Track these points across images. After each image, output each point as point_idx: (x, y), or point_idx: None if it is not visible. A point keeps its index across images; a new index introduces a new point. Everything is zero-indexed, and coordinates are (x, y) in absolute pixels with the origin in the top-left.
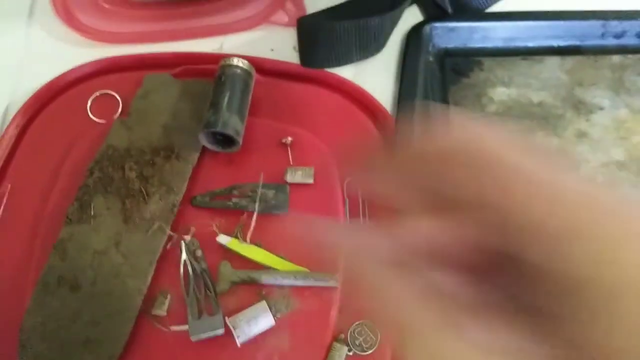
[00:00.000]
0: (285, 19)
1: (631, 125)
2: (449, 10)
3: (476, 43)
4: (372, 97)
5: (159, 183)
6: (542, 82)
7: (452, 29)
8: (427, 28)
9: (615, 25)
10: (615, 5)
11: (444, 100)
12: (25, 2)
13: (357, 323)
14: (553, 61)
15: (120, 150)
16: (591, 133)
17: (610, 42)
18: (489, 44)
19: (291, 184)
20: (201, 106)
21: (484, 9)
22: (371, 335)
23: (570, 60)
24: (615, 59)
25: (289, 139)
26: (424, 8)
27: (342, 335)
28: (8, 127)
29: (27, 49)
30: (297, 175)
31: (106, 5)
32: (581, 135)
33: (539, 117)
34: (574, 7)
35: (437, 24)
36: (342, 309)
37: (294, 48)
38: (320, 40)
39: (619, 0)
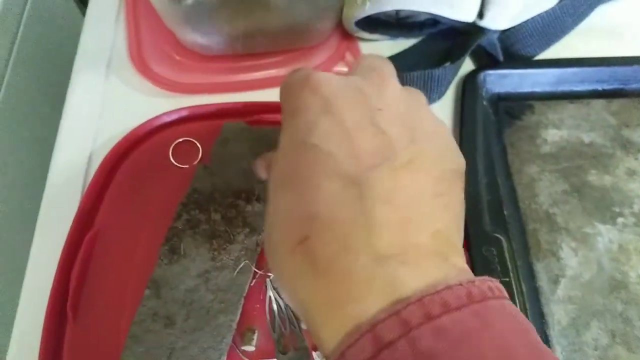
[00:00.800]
0: (346, 69)
1: None
2: (501, 58)
3: (527, 88)
4: None
5: (243, 224)
6: (590, 124)
7: (504, 76)
8: (481, 75)
9: None
10: None
11: (500, 141)
12: (103, 55)
13: None
14: (599, 103)
15: (204, 193)
16: None
17: None
18: (538, 89)
19: None
20: (274, 151)
21: (533, 57)
22: None
23: (615, 103)
24: None
25: None
26: (476, 57)
27: None
28: (96, 173)
29: (105, 100)
30: None
31: (178, 58)
32: (632, 173)
33: (590, 156)
34: (617, 54)
35: (490, 72)
36: None
37: None
38: None
39: None
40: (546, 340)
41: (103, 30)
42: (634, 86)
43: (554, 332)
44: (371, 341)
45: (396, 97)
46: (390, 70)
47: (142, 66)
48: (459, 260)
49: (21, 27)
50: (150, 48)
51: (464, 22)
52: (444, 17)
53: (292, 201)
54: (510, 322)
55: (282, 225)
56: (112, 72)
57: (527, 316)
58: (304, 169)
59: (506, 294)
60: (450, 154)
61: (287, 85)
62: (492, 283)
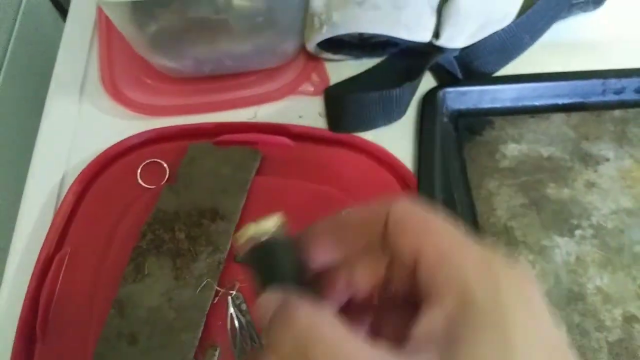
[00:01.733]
0: (311, 89)
1: (636, 175)
2: (459, 76)
3: (486, 104)
4: (394, 157)
5: (206, 242)
6: (550, 138)
7: (463, 93)
8: (440, 93)
9: (614, 83)
10: (614, 65)
11: (460, 157)
12: (77, 80)
13: None
14: (559, 118)
15: (169, 213)
16: (600, 183)
17: (611, 97)
18: (498, 104)
19: None
20: (240, 171)
21: (493, 73)
22: None
23: (575, 116)
24: (617, 113)
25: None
26: (437, 74)
27: None
28: (66, 194)
29: (78, 123)
30: None
31: (149, 81)
32: (590, 185)
33: (549, 170)
34: (576, 68)
35: (450, 89)
36: None
37: (319, 114)
38: (348, 109)
39: (617, 59)
40: None
41: (77, 55)
42: (593, 100)
43: None
44: None
45: None
46: None
47: (114, 90)
48: None
49: (10, 45)
50: (123, 73)
51: (421, 43)
52: (400, 39)
53: None
54: None
55: None
56: (85, 96)
57: None
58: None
59: None
60: None
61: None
62: None
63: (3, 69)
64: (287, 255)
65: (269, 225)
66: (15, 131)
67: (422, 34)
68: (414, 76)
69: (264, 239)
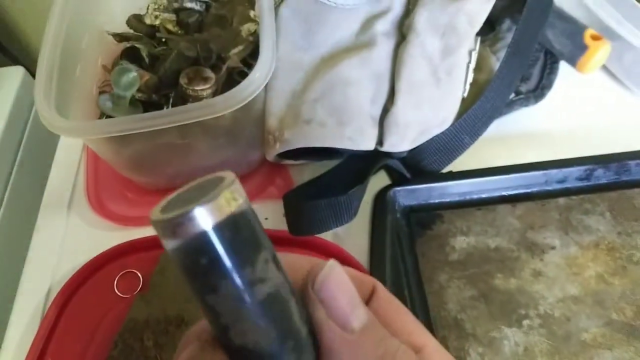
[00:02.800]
0: (276, 192)
1: (582, 261)
2: (408, 176)
3: (435, 199)
4: (350, 255)
5: (173, 349)
6: (496, 229)
7: (412, 191)
8: (391, 192)
9: (555, 173)
10: (557, 153)
11: (412, 251)
12: (65, 197)
13: None
14: (505, 209)
15: (140, 322)
16: (546, 272)
17: (554, 187)
18: (447, 199)
19: None
20: None
21: (438, 171)
22: None
23: (520, 207)
24: (561, 201)
25: None
26: (390, 173)
27: None
28: (49, 308)
29: (66, 236)
30: None
31: (130, 195)
32: (537, 274)
33: (496, 260)
34: (519, 160)
35: (399, 188)
36: None
37: (284, 216)
38: (302, 215)
39: (560, 149)
40: None
41: (66, 174)
42: (536, 189)
43: None
44: None
45: None
46: None
47: (98, 204)
48: None
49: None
50: (106, 188)
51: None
52: (346, 150)
53: None
54: None
55: None
56: (73, 211)
57: None
58: None
59: None
60: None
61: None
62: None
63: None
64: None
65: (240, 192)
66: (12, 246)
67: (366, 144)
68: (362, 180)
69: (241, 208)
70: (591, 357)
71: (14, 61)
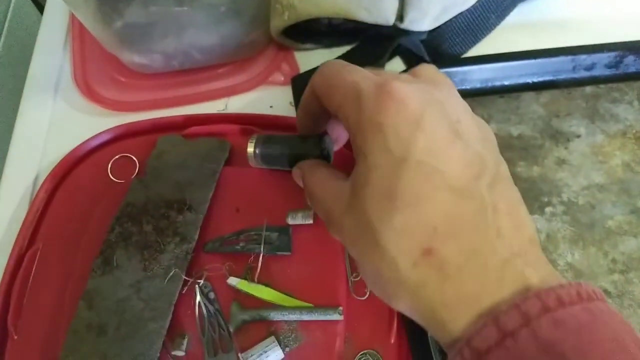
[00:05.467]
0: (282, 78)
1: (608, 150)
2: (427, 59)
3: (456, 85)
4: None
5: (173, 234)
6: (520, 117)
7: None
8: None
9: (584, 59)
10: (583, 42)
11: None
12: (51, 79)
13: (361, 353)
14: (529, 96)
15: (138, 206)
16: (570, 160)
17: (582, 74)
18: (467, 86)
19: (293, 226)
20: (209, 162)
21: (461, 55)
22: None
23: (545, 94)
24: (588, 89)
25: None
26: (406, 59)
27: None
28: (38, 192)
29: (52, 121)
30: (297, 217)
31: (122, 78)
32: (561, 162)
33: (519, 148)
34: (545, 46)
35: None
36: (347, 339)
37: (290, 103)
38: None
39: (586, 37)
40: None
41: (51, 55)
42: (563, 77)
43: None
44: (495, 330)
45: (463, 107)
46: (451, 81)
47: (87, 88)
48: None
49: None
50: (95, 71)
51: (384, 26)
52: (363, 23)
53: (406, 218)
54: (617, 321)
55: (398, 242)
56: (59, 95)
57: None
58: (413, 185)
59: (606, 299)
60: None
61: (353, 94)
62: (595, 288)
63: None
64: None
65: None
66: None
67: (384, 17)
68: (379, 59)
69: None
70: (615, 243)
71: None
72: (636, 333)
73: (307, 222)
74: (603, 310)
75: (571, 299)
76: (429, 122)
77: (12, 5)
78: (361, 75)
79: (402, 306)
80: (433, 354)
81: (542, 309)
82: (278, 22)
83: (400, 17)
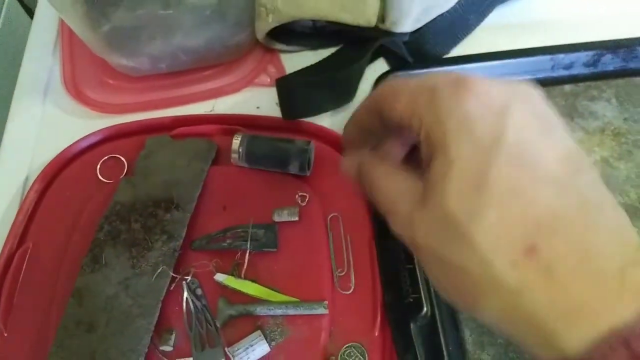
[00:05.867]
0: (268, 80)
1: (587, 146)
2: (409, 59)
3: None
4: None
5: (161, 232)
6: None
7: (412, 76)
8: (391, 77)
9: (562, 58)
10: (562, 41)
11: None
12: (41, 83)
13: (346, 346)
14: None
15: (126, 205)
16: None
17: (561, 73)
18: None
19: (279, 223)
20: (196, 162)
21: (441, 56)
22: (359, 356)
23: None
24: (567, 87)
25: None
26: (389, 60)
27: (333, 358)
28: (28, 192)
29: (42, 124)
30: (283, 215)
31: (110, 81)
32: None
33: None
34: (524, 46)
35: (400, 73)
36: (332, 333)
37: (276, 104)
38: (295, 96)
39: (564, 36)
40: None
41: (41, 59)
42: (542, 76)
43: None
44: (627, 356)
45: (545, 101)
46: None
47: (76, 91)
48: None
49: None
50: (84, 74)
51: (367, 28)
52: (346, 24)
53: (504, 211)
54: None
55: (494, 237)
56: (49, 98)
57: None
58: (508, 176)
59: None
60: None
61: (426, 90)
62: None
63: None
64: None
65: None
66: None
67: (365, 18)
68: (359, 59)
69: None
70: None
71: None
72: None
73: (292, 219)
74: None
75: None
76: (517, 111)
77: (3, 11)
78: (427, 76)
79: (489, 313)
80: (416, 347)
81: None
82: (263, 25)
83: (382, 18)
